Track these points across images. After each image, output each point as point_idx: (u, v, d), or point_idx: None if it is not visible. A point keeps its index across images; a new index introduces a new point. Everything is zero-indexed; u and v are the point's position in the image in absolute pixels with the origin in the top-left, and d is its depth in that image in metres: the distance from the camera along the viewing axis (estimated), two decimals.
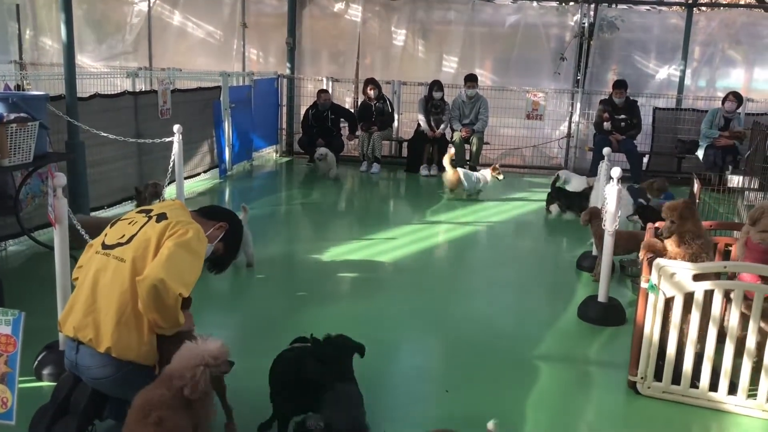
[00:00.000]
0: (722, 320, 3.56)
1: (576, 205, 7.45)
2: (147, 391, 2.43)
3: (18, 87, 8.34)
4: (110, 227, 2.90)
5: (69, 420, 2.74)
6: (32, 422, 2.78)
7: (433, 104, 9.85)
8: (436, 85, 9.83)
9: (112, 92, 7.22)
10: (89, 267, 2.78)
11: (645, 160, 10.01)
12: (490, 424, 2.35)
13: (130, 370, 2.64)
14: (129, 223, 2.84)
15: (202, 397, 2.50)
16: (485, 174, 8.29)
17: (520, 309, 4.85)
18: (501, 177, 8.29)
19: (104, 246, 2.79)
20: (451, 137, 9.83)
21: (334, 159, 9.22)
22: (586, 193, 7.50)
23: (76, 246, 3.49)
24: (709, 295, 3.36)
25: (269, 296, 4.91)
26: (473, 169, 9.74)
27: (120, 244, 2.74)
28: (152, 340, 2.67)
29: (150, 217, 2.82)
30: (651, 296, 3.43)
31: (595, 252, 5.45)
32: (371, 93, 9.97)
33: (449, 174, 8.24)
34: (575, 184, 8.07)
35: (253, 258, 5.32)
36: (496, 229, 7.06)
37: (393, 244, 6.15)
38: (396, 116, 10.50)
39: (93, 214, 6.03)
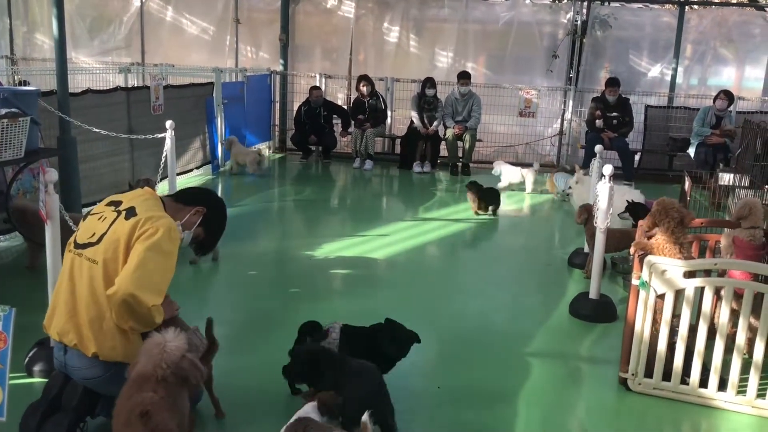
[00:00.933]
0: (712, 317, 3.59)
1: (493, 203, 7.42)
2: (134, 396, 2.36)
3: (22, 83, 8.34)
4: (83, 221, 2.84)
5: (60, 417, 2.73)
6: (23, 419, 2.76)
7: (426, 101, 9.84)
8: (429, 82, 9.82)
9: (105, 88, 7.20)
10: (65, 268, 2.74)
11: (637, 157, 10.06)
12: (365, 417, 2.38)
13: (119, 369, 2.62)
14: (99, 219, 2.75)
15: (183, 392, 2.48)
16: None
17: (512, 305, 4.86)
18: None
19: (76, 245, 2.73)
20: (444, 134, 9.84)
21: (255, 156, 8.75)
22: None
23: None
24: (699, 292, 3.39)
25: (261, 293, 4.90)
26: (465, 167, 9.79)
27: (91, 244, 2.68)
28: (137, 338, 2.64)
29: (119, 212, 2.72)
30: (642, 293, 3.45)
31: (587, 249, 5.47)
32: (364, 90, 9.96)
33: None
34: (509, 175, 8.09)
35: (218, 253, 5.27)
36: (487, 226, 7.08)
37: (386, 241, 6.16)
38: (389, 113, 10.49)
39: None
